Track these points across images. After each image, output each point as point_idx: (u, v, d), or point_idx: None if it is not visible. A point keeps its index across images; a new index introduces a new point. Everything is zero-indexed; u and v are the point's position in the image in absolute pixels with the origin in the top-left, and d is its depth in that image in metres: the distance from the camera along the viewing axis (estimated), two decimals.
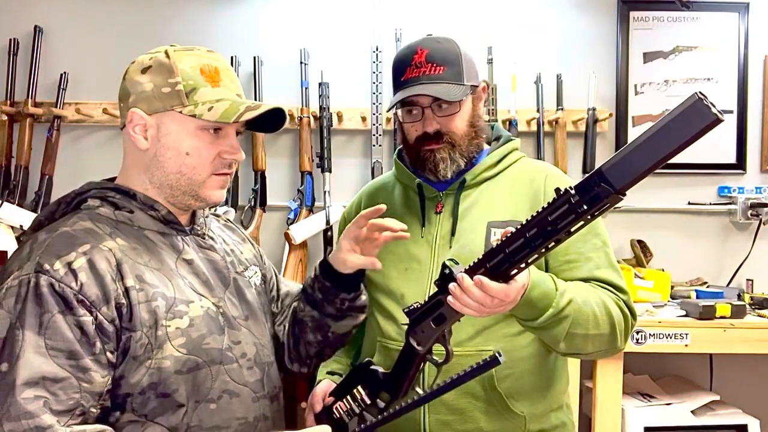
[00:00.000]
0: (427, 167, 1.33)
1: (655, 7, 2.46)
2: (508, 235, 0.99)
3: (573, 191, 0.90)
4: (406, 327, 1.16)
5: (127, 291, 1.01)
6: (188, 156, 1.09)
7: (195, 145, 1.09)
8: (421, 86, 1.28)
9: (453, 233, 1.32)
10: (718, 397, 2.18)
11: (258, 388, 1.13)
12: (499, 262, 1.01)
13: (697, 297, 2.20)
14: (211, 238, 1.21)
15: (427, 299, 1.13)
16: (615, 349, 1.28)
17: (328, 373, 1.40)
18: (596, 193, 0.87)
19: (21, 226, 2.12)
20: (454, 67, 1.30)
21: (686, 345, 1.99)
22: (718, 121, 0.81)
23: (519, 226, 0.97)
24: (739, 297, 2.25)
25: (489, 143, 1.41)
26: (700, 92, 0.81)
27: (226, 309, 1.13)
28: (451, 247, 1.31)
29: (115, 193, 1.10)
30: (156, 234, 1.11)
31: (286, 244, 2.27)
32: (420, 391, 1.19)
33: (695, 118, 0.82)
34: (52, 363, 0.94)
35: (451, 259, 1.09)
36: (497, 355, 1.03)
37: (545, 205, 0.94)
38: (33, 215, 2.13)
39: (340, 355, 1.44)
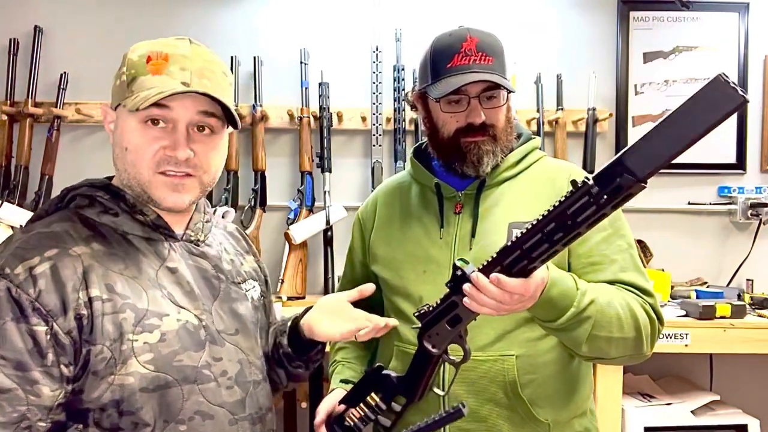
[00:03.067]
0: (468, 159, 1.27)
1: (655, 7, 2.46)
2: (523, 231, 0.95)
3: (592, 182, 0.87)
4: (418, 330, 1.12)
5: (90, 301, 0.95)
6: (127, 152, 1.02)
7: (133, 140, 1.01)
8: (478, 74, 1.22)
9: (473, 234, 1.27)
10: (718, 397, 2.18)
11: (237, 409, 1.06)
12: (515, 260, 0.97)
13: (697, 297, 2.20)
14: (208, 245, 1.14)
15: (438, 301, 1.09)
16: (641, 355, 1.22)
17: (342, 381, 1.35)
18: (618, 184, 0.84)
19: (21, 226, 2.11)
20: (500, 59, 1.26)
21: (686, 345, 1.98)
22: (745, 101, 0.77)
23: (535, 221, 0.94)
24: (739, 297, 2.25)
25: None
26: (723, 73, 0.78)
27: (210, 322, 1.06)
28: (471, 248, 1.26)
29: (105, 194, 1.05)
30: (141, 239, 1.04)
31: (286, 244, 2.27)
32: (438, 391, 1.16)
33: (721, 99, 0.78)
34: (1, 372, 0.90)
35: (462, 259, 1.05)
36: (461, 406, 1.04)
37: (562, 198, 0.90)
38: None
39: (355, 362, 1.40)
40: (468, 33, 1.26)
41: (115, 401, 0.95)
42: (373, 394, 1.18)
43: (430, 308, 1.10)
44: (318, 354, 1.25)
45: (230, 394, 1.05)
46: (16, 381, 0.90)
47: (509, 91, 1.27)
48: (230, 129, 1.10)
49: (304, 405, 2.22)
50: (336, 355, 1.44)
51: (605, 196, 0.86)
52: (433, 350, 1.10)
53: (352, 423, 1.20)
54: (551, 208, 0.92)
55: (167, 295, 1.02)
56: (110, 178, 1.12)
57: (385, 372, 1.18)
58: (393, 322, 1.17)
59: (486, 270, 1.00)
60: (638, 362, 1.27)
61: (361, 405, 1.19)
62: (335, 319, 1.16)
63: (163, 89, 0.98)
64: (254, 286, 1.20)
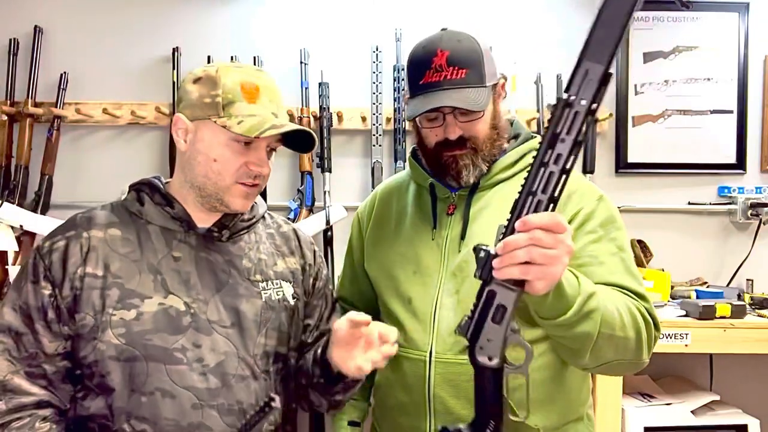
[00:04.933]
0: (449, 173, 1.27)
1: (655, 7, 2.46)
2: (525, 177, 0.92)
3: (568, 94, 0.89)
4: (467, 350, 1.01)
5: (84, 276, 1.14)
6: (215, 162, 1.17)
7: (223, 153, 1.17)
8: (444, 93, 1.21)
9: (462, 237, 1.26)
10: (718, 397, 2.18)
11: (206, 396, 1.13)
12: (530, 207, 0.93)
13: (697, 297, 2.20)
14: (234, 241, 1.23)
15: (474, 302, 0.99)
16: (639, 362, 1.17)
17: (350, 423, 1.32)
18: (589, 81, 0.89)
19: (21, 225, 2.11)
20: (476, 68, 1.22)
21: (686, 345, 1.99)
22: None
23: (533, 160, 0.92)
24: (739, 297, 2.25)
25: (508, 141, 1.34)
26: None
27: (202, 311, 1.16)
28: (460, 251, 1.25)
29: (146, 187, 1.23)
30: (158, 228, 1.20)
31: None
32: (516, 418, 1.05)
33: None
34: (18, 318, 1.13)
35: (478, 244, 0.97)
36: (271, 399, 1.00)
37: (547, 125, 0.91)
38: (33, 215, 2.14)
39: (357, 398, 1.36)
40: (439, 47, 1.23)
41: (96, 362, 1.13)
42: None
43: (469, 315, 1.00)
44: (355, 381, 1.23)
45: (202, 380, 1.14)
46: (27, 328, 1.13)
47: (494, 87, 1.25)
48: None
49: None
50: None
51: (583, 100, 0.89)
52: (492, 363, 0.99)
53: None
54: (541, 139, 0.92)
55: (160, 281, 1.16)
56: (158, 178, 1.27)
57: (452, 429, 1.05)
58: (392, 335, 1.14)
59: (506, 235, 0.94)
60: (634, 371, 1.22)
61: None
62: (353, 351, 1.15)
63: (264, 118, 1.16)
64: (280, 287, 1.26)
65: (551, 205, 0.92)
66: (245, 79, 1.17)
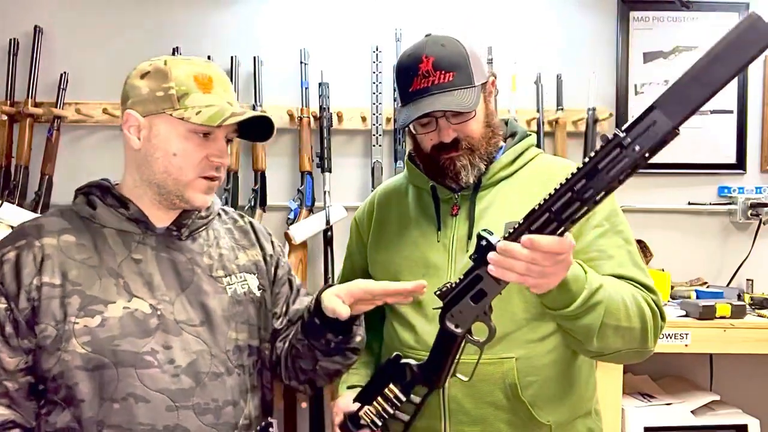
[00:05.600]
0: (447, 176, 1.27)
1: (655, 7, 2.46)
2: (551, 192, 0.92)
3: (624, 134, 0.86)
4: (438, 311, 1.08)
5: (41, 286, 1.09)
6: (175, 156, 1.14)
7: (183, 147, 1.13)
8: (433, 98, 1.22)
9: (470, 236, 1.26)
10: (718, 397, 2.18)
11: (181, 397, 1.10)
12: (544, 223, 0.94)
13: (697, 297, 2.20)
14: (193, 239, 1.21)
15: (461, 277, 1.05)
16: (645, 350, 1.20)
17: (349, 387, 1.33)
18: (652, 132, 0.83)
19: None
20: (463, 69, 1.24)
21: (686, 345, 1.99)
22: None
23: (564, 181, 0.91)
24: (739, 297, 2.25)
25: (504, 140, 1.35)
26: (755, 12, 0.77)
27: (169, 312, 1.13)
28: (468, 250, 1.25)
29: (96, 190, 1.18)
30: (114, 232, 1.16)
31: (286, 244, 2.27)
32: (462, 377, 1.11)
33: (754, 37, 0.76)
34: None
35: (485, 230, 1.01)
36: (268, 423, 1.02)
37: (592, 154, 0.89)
38: (33, 215, 2.13)
39: (359, 367, 1.37)
40: (423, 53, 1.24)
41: (61, 373, 1.08)
42: (391, 386, 1.13)
43: (453, 285, 1.05)
44: (347, 333, 1.21)
45: (175, 381, 1.11)
46: None
47: (483, 86, 1.26)
48: None
49: (303, 405, 2.22)
50: None
51: (638, 146, 0.85)
52: (457, 330, 1.05)
53: (368, 420, 1.14)
54: (581, 165, 0.90)
55: (123, 285, 1.12)
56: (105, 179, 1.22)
57: (404, 361, 1.13)
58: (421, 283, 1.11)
59: (512, 237, 0.97)
60: (641, 360, 1.25)
61: (378, 399, 1.14)
62: (359, 303, 1.14)
63: (222, 107, 1.13)
64: (244, 280, 1.24)
65: (563, 229, 0.94)
66: (197, 71, 1.14)
